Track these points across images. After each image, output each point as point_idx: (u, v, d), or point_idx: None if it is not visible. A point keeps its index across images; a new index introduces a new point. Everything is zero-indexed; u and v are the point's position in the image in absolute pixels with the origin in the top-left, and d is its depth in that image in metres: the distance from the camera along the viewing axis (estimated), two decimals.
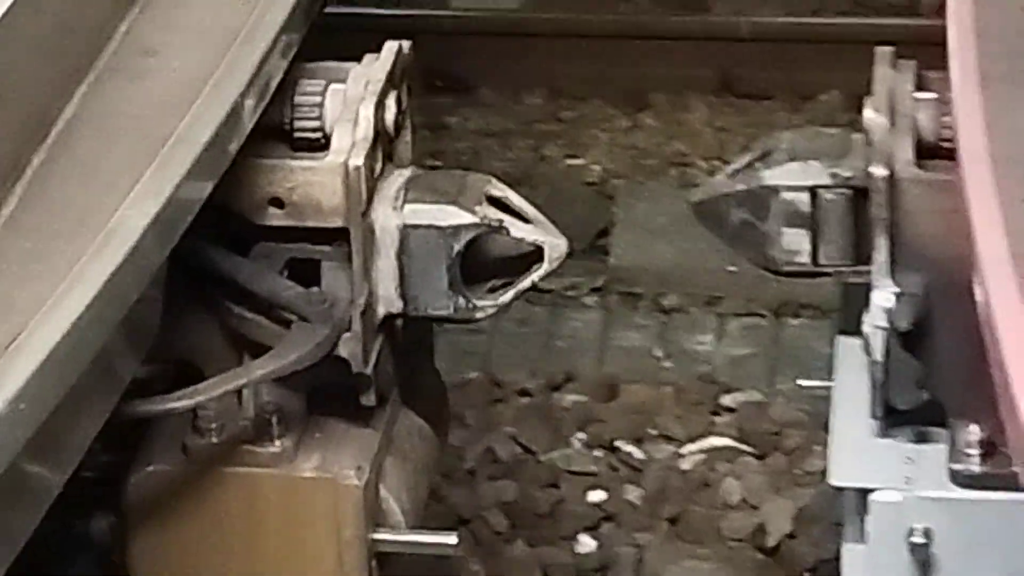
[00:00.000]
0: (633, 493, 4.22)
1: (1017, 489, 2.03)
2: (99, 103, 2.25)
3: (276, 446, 2.57)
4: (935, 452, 2.52)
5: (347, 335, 2.43)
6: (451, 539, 2.70)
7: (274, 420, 2.56)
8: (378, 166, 2.54)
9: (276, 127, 2.52)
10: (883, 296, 2.40)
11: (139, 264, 1.97)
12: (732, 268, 4.57)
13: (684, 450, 4.41)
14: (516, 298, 2.62)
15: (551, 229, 2.59)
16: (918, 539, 2.42)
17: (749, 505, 4.14)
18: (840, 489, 2.63)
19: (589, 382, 4.70)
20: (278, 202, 2.46)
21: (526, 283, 2.58)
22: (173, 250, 2.11)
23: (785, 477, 4.24)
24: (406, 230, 2.51)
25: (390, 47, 2.65)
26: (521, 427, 4.46)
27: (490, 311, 2.60)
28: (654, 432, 4.44)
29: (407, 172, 2.65)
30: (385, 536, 2.64)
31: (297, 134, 2.52)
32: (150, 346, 2.31)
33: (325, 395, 2.66)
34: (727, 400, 4.61)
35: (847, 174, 2.54)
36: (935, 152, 2.46)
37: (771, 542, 3.98)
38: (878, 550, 2.49)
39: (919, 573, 2.46)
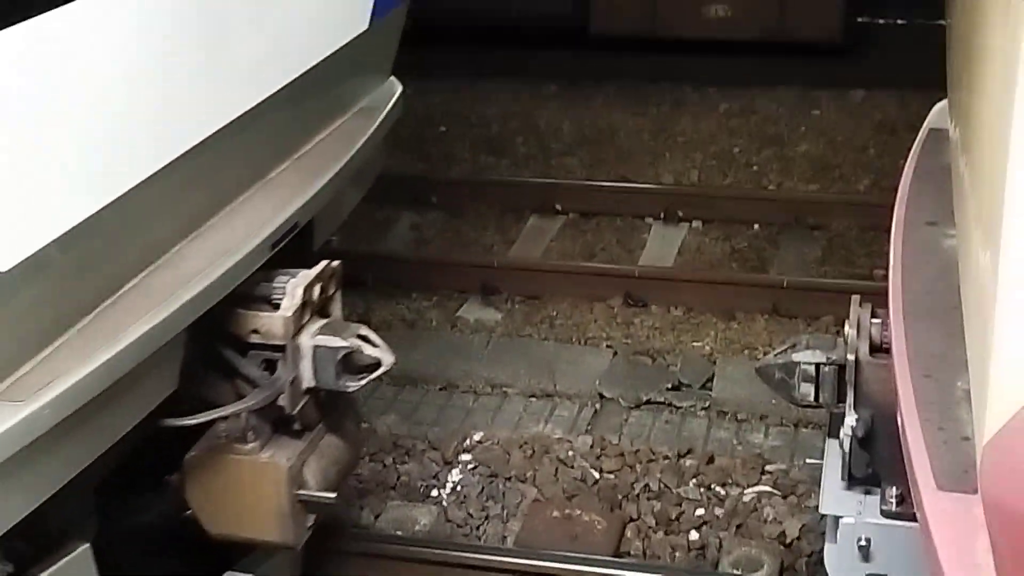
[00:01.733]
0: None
1: (913, 520, 2.85)
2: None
3: (250, 445, 3.85)
4: (873, 499, 3.36)
5: (283, 395, 3.73)
6: (331, 495, 3.97)
7: (250, 433, 3.83)
8: (305, 318, 3.82)
9: (263, 297, 3.78)
10: (850, 419, 3.33)
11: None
12: (774, 401, 5.60)
13: (745, 492, 5.33)
14: (366, 384, 3.88)
15: (387, 351, 3.80)
16: (862, 543, 3.35)
17: (777, 521, 5.15)
18: (824, 516, 3.55)
19: None
20: (256, 332, 3.74)
21: (374, 376, 3.84)
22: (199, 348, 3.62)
23: (796, 508, 5.23)
24: (315, 348, 3.79)
25: (321, 265, 3.97)
26: None
27: (354, 388, 3.86)
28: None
29: (322, 322, 3.87)
30: (299, 492, 3.87)
31: (273, 300, 3.77)
32: (174, 390, 3.57)
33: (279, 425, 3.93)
34: (769, 467, 5.41)
35: (834, 357, 3.57)
36: (879, 349, 3.42)
37: (788, 540, 5.03)
38: (843, 547, 3.40)
39: (862, 560, 3.34)
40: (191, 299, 3.36)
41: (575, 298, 6.89)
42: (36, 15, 2.84)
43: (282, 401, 3.73)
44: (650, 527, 5.09)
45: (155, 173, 3.25)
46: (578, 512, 5.12)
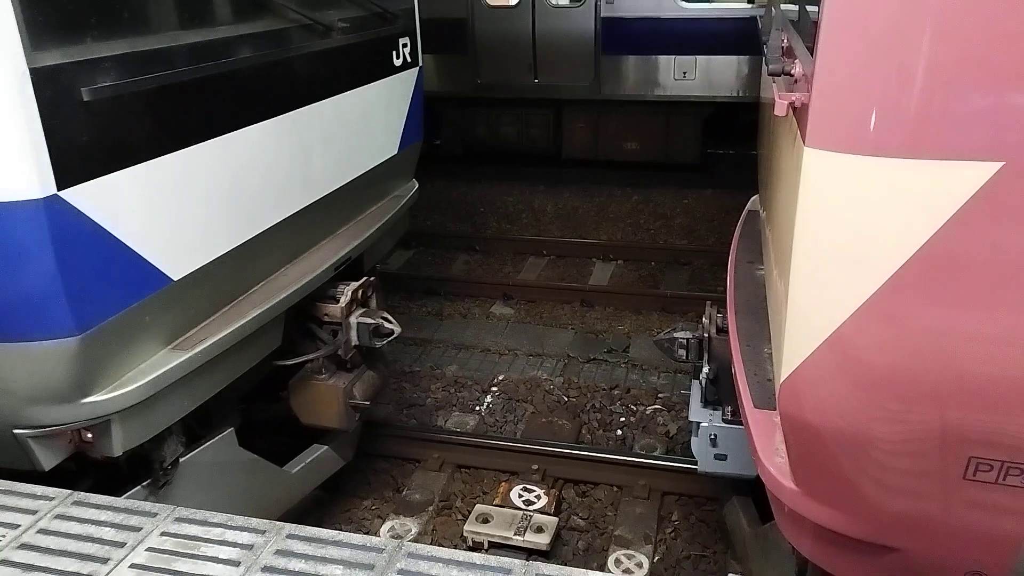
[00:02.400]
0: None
1: (740, 425, 2.86)
2: None
3: (323, 375, 3.89)
4: (718, 413, 3.29)
5: (340, 348, 3.81)
6: (367, 403, 3.93)
7: (323, 369, 3.88)
8: (353, 307, 3.82)
9: (331, 296, 3.80)
10: (706, 369, 3.29)
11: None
12: (663, 359, 5.49)
13: (647, 409, 5.20)
14: (387, 343, 3.87)
15: (396, 325, 3.84)
16: (712, 437, 3.26)
17: (664, 425, 5.08)
18: (691, 421, 3.41)
19: None
20: (326, 314, 3.80)
21: (390, 338, 3.84)
22: (295, 322, 3.63)
23: (676, 417, 5.06)
24: (358, 323, 3.81)
25: (364, 279, 3.96)
26: None
27: (380, 345, 3.85)
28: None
29: (362, 309, 3.88)
30: (350, 401, 3.90)
31: (336, 297, 3.81)
32: (279, 346, 3.54)
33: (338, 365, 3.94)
34: (661, 395, 5.32)
35: (697, 335, 3.47)
36: (721, 331, 3.36)
37: (671, 435, 4.96)
38: (701, 440, 3.30)
39: (711, 447, 3.25)
40: (289, 295, 3.39)
41: (553, 302, 6.85)
42: (224, 134, 2.93)
43: (340, 352, 3.85)
44: (594, 428, 5.06)
45: (274, 225, 3.33)
46: (555, 419, 5.11)
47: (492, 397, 5.43)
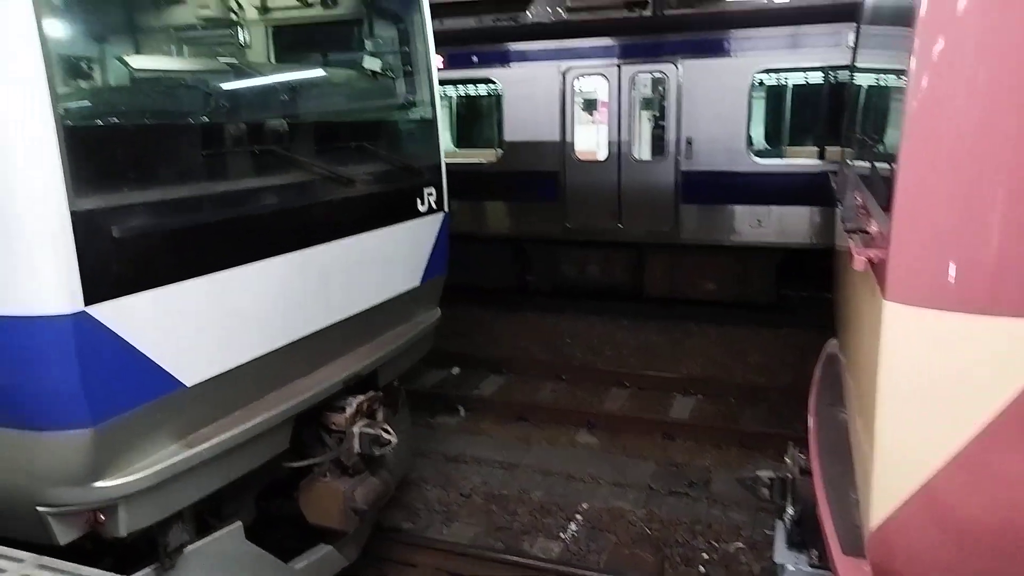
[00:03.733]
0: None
1: (827, 570, 2.64)
2: None
3: (328, 478, 3.85)
4: (804, 556, 3.05)
5: (343, 455, 3.81)
6: (366, 508, 3.85)
7: (328, 472, 3.87)
8: (357, 418, 3.83)
9: (338, 406, 3.84)
10: (790, 510, 3.11)
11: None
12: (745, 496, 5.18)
13: (730, 546, 4.84)
14: (384, 452, 3.84)
15: (394, 437, 3.83)
16: None
17: (748, 564, 4.71)
18: (776, 564, 3.16)
19: None
20: (333, 422, 3.81)
21: (386, 448, 3.83)
22: (303, 427, 3.66)
23: (759, 557, 4.74)
24: (360, 433, 3.80)
25: (370, 392, 3.99)
26: None
27: (379, 453, 3.84)
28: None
29: (366, 420, 3.88)
30: (352, 504, 3.85)
31: (343, 407, 3.85)
32: (286, 448, 3.56)
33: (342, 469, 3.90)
34: (743, 533, 5.02)
35: (780, 475, 3.29)
36: (805, 472, 3.15)
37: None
38: None
39: None
40: (299, 402, 3.52)
41: (635, 433, 6.64)
42: (242, 265, 3.13)
43: (343, 458, 3.87)
44: (677, 563, 4.80)
45: (293, 342, 3.47)
46: (638, 552, 4.85)
47: (576, 525, 5.25)
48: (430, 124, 4.68)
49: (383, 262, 4.16)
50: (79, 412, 2.54)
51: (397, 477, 4.58)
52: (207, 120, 3.22)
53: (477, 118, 11.60)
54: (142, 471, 2.82)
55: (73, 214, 2.43)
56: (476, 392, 7.65)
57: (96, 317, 2.52)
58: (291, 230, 3.43)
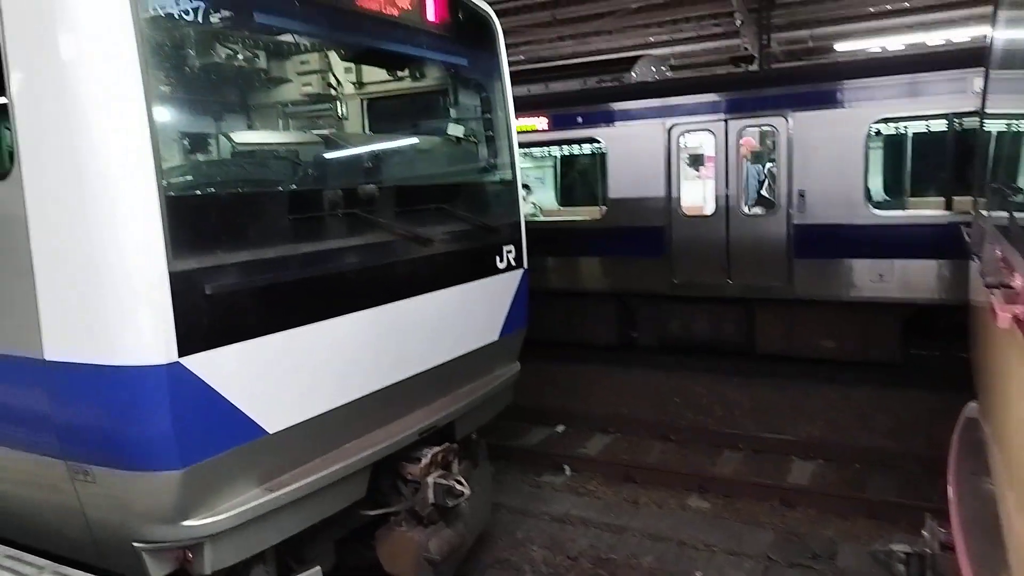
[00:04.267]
0: None
1: None
2: None
3: (404, 527, 3.94)
4: None
5: (418, 505, 3.90)
6: (439, 558, 3.87)
7: (403, 522, 3.91)
8: (432, 468, 3.88)
9: (414, 456, 3.93)
10: None
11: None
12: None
13: None
14: (459, 503, 3.89)
15: (467, 488, 3.87)
16: None
17: None
18: None
19: None
20: (409, 472, 3.89)
21: (460, 500, 3.90)
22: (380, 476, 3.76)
23: None
24: (435, 483, 3.86)
25: (445, 444, 4.02)
26: None
27: (452, 504, 3.87)
28: None
29: (440, 471, 3.93)
30: (425, 555, 3.89)
31: (418, 458, 3.95)
32: (363, 496, 3.62)
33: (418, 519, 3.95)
34: None
35: (918, 550, 3.10)
36: (946, 548, 2.95)
37: None
38: None
39: None
40: (375, 452, 3.60)
41: (751, 499, 6.28)
42: (325, 320, 3.27)
43: (418, 508, 3.93)
44: None
45: (371, 393, 3.56)
46: None
47: None
48: (510, 185, 4.86)
49: (462, 317, 4.27)
50: (170, 455, 2.74)
51: (474, 530, 4.58)
52: (295, 187, 3.50)
53: (581, 176, 11.73)
54: (226, 512, 2.99)
55: (171, 274, 2.67)
56: (582, 451, 7.51)
57: (188, 368, 2.73)
58: (373, 287, 3.61)
